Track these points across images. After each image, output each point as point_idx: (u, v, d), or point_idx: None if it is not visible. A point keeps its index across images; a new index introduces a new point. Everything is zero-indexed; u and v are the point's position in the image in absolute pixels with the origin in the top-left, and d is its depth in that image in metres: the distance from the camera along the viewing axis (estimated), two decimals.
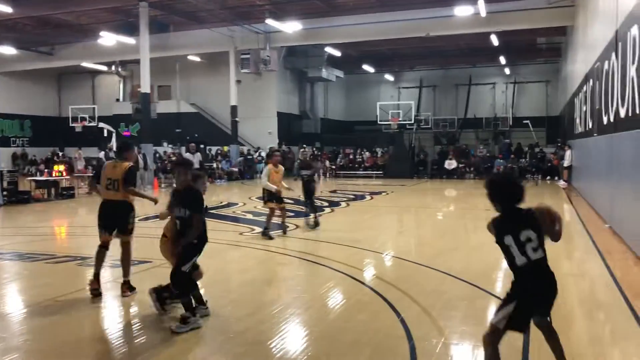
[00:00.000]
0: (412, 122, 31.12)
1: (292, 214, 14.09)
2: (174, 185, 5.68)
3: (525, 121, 32.55)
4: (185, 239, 5.29)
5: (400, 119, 30.52)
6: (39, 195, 17.85)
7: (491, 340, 3.46)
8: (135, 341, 5.00)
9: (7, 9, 19.33)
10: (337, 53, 29.60)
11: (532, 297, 3.43)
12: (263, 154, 29.62)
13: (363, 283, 6.94)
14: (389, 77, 38.47)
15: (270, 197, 10.51)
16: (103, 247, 6.49)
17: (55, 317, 5.72)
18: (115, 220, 6.50)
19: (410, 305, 5.83)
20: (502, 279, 6.98)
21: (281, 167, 10.76)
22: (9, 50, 26.47)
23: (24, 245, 9.71)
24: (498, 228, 3.51)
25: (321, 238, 10.24)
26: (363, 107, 37.37)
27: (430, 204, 17.03)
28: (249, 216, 13.57)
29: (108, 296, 6.46)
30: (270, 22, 23.15)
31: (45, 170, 20.10)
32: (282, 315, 5.59)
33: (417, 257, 8.50)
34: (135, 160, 7.05)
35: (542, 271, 3.44)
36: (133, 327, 5.44)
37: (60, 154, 30.41)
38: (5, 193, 16.36)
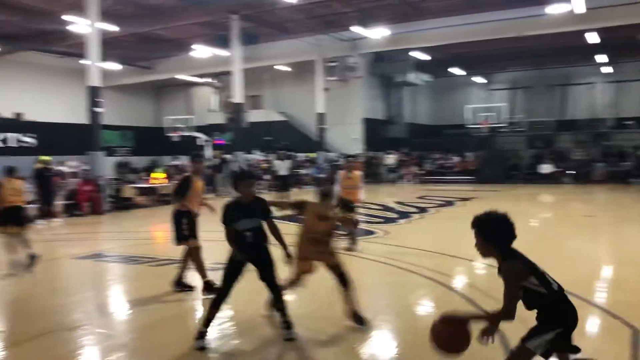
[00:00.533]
0: (504, 124, 30.08)
1: (382, 219, 14.08)
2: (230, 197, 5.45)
3: (628, 122, 30.56)
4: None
5: (491, 122, 29.59)
6: (140, 202, 18.93)
7: None
8: (235, 342, 5.19)
9: (114, 28, 20.73)
10: (425, 57, 29.22)
11: (573, 322, 3.22)
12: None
13: (456, 291, 6.82)
14: (478, 79, 37.46)
15: (342, 204, 9.38)
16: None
17: (158, 317, 6.05)
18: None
19: None
20: (601, 289, 6.61)
21: (356, 173, 9.86)
22: (114, 66, 28.32)
23: (128, 248, 10.35)
24: (527, 269, 3.21)
25: (410, 244, 10.14)
26: (452, 110, 36.61)
27: (525, 211, 16.37)
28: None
29: (205, 300, 6.73)
30: (356, 29, 23.27)
31: (146, 178, 21.31)
32: (373, 321, 5.60)
33: None
34: (199, 171, 7.32)
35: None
36: (231, 328, 5.65)
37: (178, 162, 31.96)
38: (110, 200, 17.52)
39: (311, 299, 6.62)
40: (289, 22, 24.70)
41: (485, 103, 34.41)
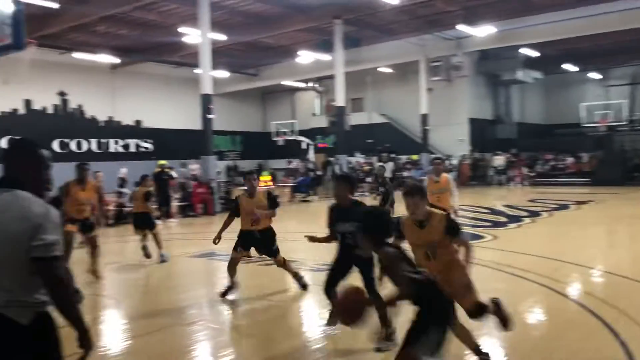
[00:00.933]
0: (623, 123, 27.99)
1: (490, 223, 13.61)
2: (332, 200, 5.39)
3: None
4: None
5: (609, 121, 27.65)
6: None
7: None
8: (338, 341, 5.23)
9: (222, 37, 21.73)
10: (534, 53, 27.88)
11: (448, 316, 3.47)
12: (454, 162, 29.05)
13: (572, 299, 6.44)
14: (594, 75, 35.11)
15: None
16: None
17: (267, 315, 6.24)
18: None
19: (629, 326, 5.25)
20: None
21: (444, 176, 8.79)
22: (223, 74, 29.66)
23: None
24: (399, 256, 3.33)
25: (521, 250, 9.69)
26: (564, 109, 34.62)
27: None
28: None
29: (313, 299, 6.85)
30: (461, 27, 22.69)
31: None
32: (483, 328, 5.41)
33: (633, 273, 7.63)
34: (251, 188, 7.05)
35: None
36: (336, 329, 5.70)
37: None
38: (222, 201, 18.33)
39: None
40: (391, 24, 24.58)
41: (601, 100, 32.23)
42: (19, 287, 2.28)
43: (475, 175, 28.93)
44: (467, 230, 12.15)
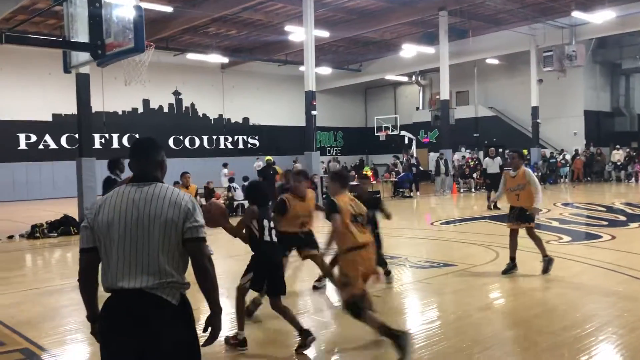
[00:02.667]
0: None
1: (607, 222, 12.73)
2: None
3: None
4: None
5: None
6: None
7: None
8: (443, 342, 5.13)
9: (325, 34, 21.99)
10: None
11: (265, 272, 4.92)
12: (568, 156, 27.46)
13: None
14: None
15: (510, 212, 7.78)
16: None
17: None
18: None
19: None
20: None
21: (522, 170, 7.54)
22: (325, 70, 30.02)
23: None
24: (258, 215, 4.88)
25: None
26: None
27: None
28: (555, 224, 12.66)
29: (417, 296, 6.77)
30: (577, 14, 21.33)
31: (355, 175, 22.16)
32: (600, 333, 5.09)
33: None
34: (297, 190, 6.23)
35: None
36: (441, 328, 5.59)
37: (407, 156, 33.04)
38: (324, 197, 18.56)
39: (526, 305, 6.26)
40: (500, 13, 23.66)
41: None
42: (173, 269, 2.54)
43: (590, 171, 27.19)
44: (581, 229, 11.51)
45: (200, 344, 2.63)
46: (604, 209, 15.34)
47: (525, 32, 25.10)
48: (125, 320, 2.47)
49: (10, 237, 12.82)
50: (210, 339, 2.65)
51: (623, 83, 31.24)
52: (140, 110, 28.02)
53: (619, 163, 26.55)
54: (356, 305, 4.62)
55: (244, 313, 5.08)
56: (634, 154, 26.72)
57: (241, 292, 4.99)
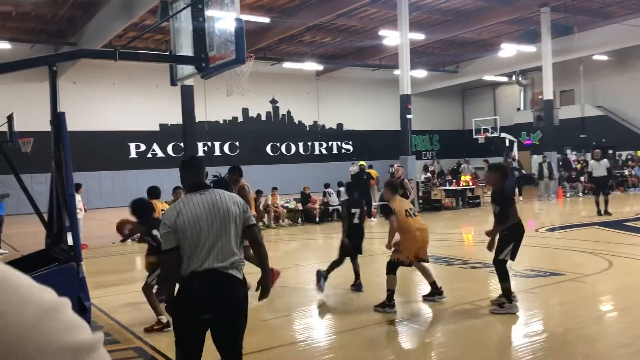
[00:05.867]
0: None
1: None
2: None
3: None
4: (494, 229, 6.26)
5: None
6: (448, 204, 19.30)
7: None
8: (550, 357, 4.86)
9: (420, 37, 21.69)
10: None
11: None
12: None
13: None
14: None
15: None
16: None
17: (471, 321, 6.04)
18: None
19: None
20: None
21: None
22: (420, 73, 29.59)
23: (439, 249, 10.61)
24: (154, 226, 5.52)
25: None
26: None
27: None
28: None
29: (523, 307, 6.47)
30: None
31: (453, 180, 21.64)
32: None
33: None
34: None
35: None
36: (548, 342, 5.31)
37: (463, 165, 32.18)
38: (420, 201, 18.28)
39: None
40: (608, 7, 22.23)
41: None
42: (238, 250, 3.38)
43: None
44: None
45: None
46: None
47: (637, 24, 23.38)
48: (207, 291, 3.23)
49: (123, 240, 13.69)
50: (263, 294, 3.62)
51: None
52: (240, 118, 29.03)
53: None
54: (394, 266, 6.43)
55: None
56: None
57: None
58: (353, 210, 7.49)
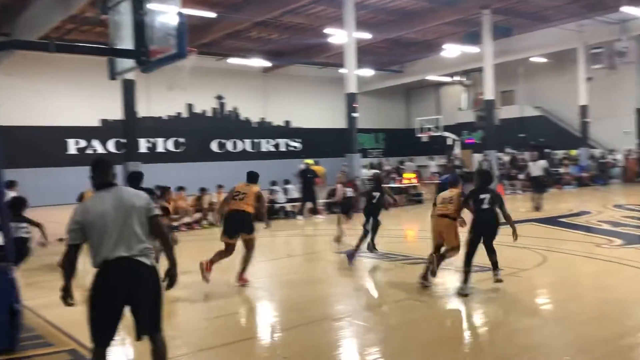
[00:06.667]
0: None
1: None
2: None
3: None
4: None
5: None
6: (398, 202, 19.52)
7: None
8: (490, 349, 4.99)
9: (366, 35, 21.89)
10: None
11: None
12: (619, 156, 26.50)
13: None
14: None
15: None
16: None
17: (414, 314, 6.14)
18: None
19: None
20: None
21: None
22: (367, 72, 29.86)
23: (383, 245, 10.72)
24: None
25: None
26: None
27: None
28: (605, 226, 12.22)
29: (462, 301, 6.62)
30: (626, 9, 20.57)
31: (397, 178, 21.94)
32: None
33: None
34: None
35: None
36: (486, 335, 5.46)
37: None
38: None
39: (575, 311, 6.06)
40: (546, 10, 23.01)
41: None
42: (147, 240, 3.73)
43: None
44: (633, 232, 11.08)
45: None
46: None
47: (573, 28, 24.36)
48: (120, 277, 3.62)
49: (61, 239, 13.22)
50: (169, 283, 3.90)
51: None
52: (185, 114, 28.52)
53: None
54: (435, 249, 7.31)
55: None
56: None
57: None
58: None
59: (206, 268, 7.37)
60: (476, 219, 6.93)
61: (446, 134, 28.98)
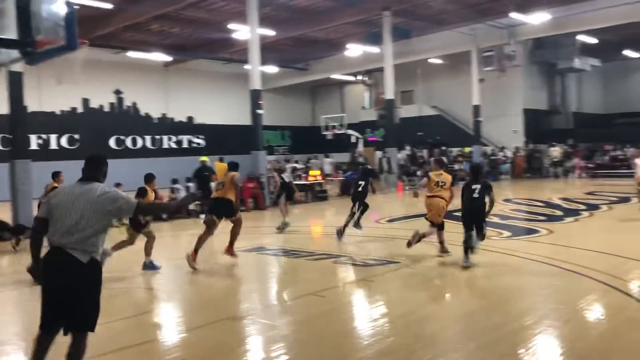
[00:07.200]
0: None
1: (545, 217, 13.19)
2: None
3: None
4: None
5: None
6: (298, 198, 19.66)
7: None
8: (387, 340, 5.16)
9: (270, 32, 21.85)
10: (592, 40, 26.78)
11: None
12: (508, 153, 28.30)
13: (633, 297, 6.14)
14: None
15: None
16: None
17: (317, 310, 6.23)
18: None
19: None
20: None
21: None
22: (272, 69, 29.82)
23: (288, 242, 10.78)
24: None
25: (579, 245, 9.35)
26: (625, 97, 33.13)
27: None
28: (495, 219, 13.00)
29: (362, 294, 6.80)
30: (514, 15, 21.97)
31: (304, 175, 22.13)
32: (537, 327, 5.24)
33: None
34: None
35: None
36: (386, 325, 5.63)
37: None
38: (272, 196, 18.45)
39: (467, 300, 6.41)
40: (442, 14, 24.08)
41: None
42: (94, 239, 3.80)
43: (530, 167, 28.11)
44: (520, 224, 11.86)
45: None
46: (543, 204, 15.89)
47: (467, 32, 25.68)
48: (52, 265, 3.74)
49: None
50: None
51: (559, 82, 32.45)
52: (80, 109, 27.08)
53: (556, 159, 27.56)
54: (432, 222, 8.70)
55: None
56: (571, 150, 27.80)
57: None
58: None
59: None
60: (465, 206, 8.05)
61: (350, 132, 29.58)
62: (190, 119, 31.40)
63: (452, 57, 29.20)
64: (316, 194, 20.04)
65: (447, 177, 8.90)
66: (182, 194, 16.18)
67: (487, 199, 7.95)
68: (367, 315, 6.06)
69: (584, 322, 5.48)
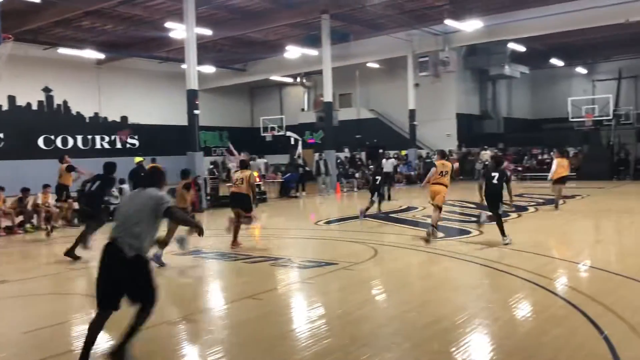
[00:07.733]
0: (610, 117, 28.18)
1: (476, 218, 13.61)
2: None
3: None
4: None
5: (595, 115, 27.86)
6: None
7: None
8: (324, 341, 5.19)
9: (208, 32, 21.53)
10: (522, 48, 27.97)
11: None
12: None
13: (557, 295, 6.45)
14: (580, 70, 35.28)
15: None
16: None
17: (253, 313, 6.19)
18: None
19: (614, 322, 5.27)
20: None
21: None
22: (209, 69, 29.41)
23: (224, 245, 10.66)
24: None
25: (507, 245, 9.71)
26: (551, 103, 34.77)
27: (635, 209, 15.24)
28: (429, 220, 13.32)
29: (300, 296, 6.81)
30: (449, 22, 22.66)
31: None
32: (468, 325, 5.41)
33: (620, 268, 7.67)
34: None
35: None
36: (321, 328, 5.66)
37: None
38: (208, 198, 18.19)
39: (402, 300, 6.54)
40: (379, 19, 24.49)
41: (588, 95, 32.39)
42: (142, 234, 4.52)
43: (462, 170, 28.98)
44: (453, 225, 12.21)
45: None
46: (474, 206, 16.40)
47: (403, 38, 26.23)
48: (109, 253, 4.53)
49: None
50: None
51: (490, 88, 33.69)
52: (5, 107, 25.78)
53: (487, 162, 28.52)
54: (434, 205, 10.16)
55: None
56: (500, 154, 28.84)
57: None
58: None
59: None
60: (487, 190, 9.63)
61: (289, 133, 29.57)
62: (124, 118, 30.53)
63: (389, 62, 29.77)
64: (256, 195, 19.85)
65: (449, 166, 10.40)
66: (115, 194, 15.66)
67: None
68: (304, 317, 6.07)
69: (512, 320, 5.70)
